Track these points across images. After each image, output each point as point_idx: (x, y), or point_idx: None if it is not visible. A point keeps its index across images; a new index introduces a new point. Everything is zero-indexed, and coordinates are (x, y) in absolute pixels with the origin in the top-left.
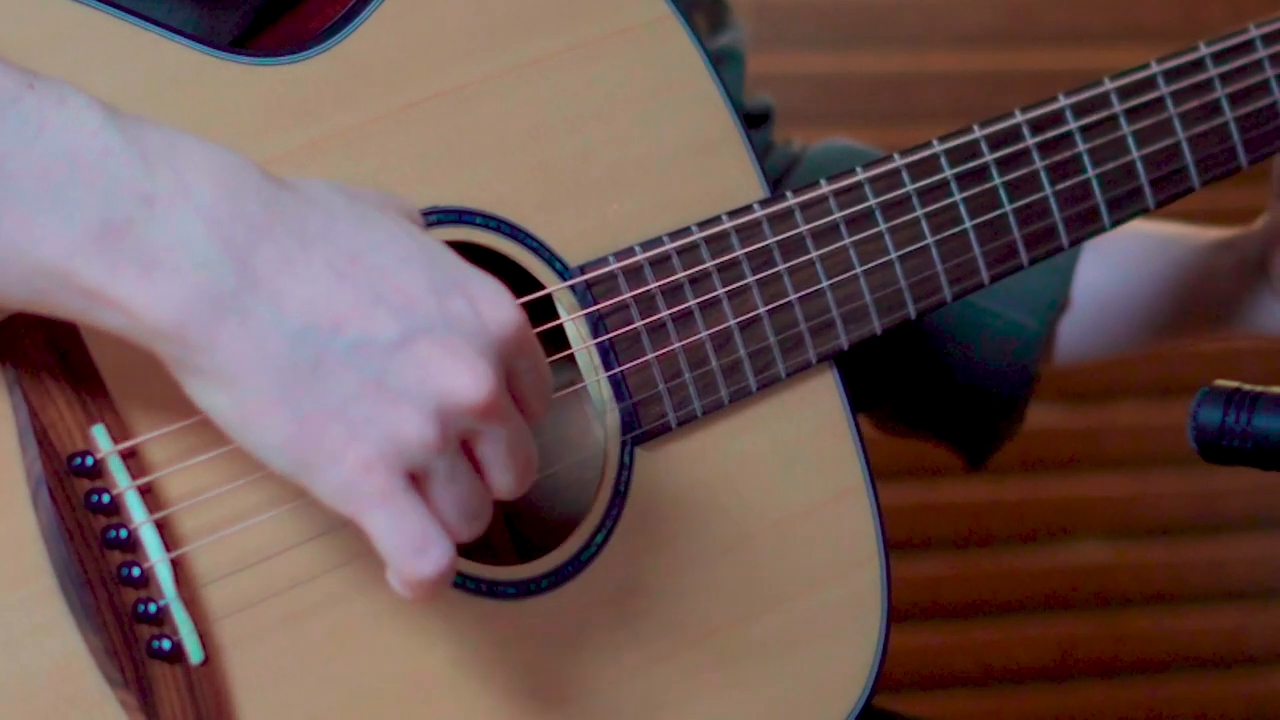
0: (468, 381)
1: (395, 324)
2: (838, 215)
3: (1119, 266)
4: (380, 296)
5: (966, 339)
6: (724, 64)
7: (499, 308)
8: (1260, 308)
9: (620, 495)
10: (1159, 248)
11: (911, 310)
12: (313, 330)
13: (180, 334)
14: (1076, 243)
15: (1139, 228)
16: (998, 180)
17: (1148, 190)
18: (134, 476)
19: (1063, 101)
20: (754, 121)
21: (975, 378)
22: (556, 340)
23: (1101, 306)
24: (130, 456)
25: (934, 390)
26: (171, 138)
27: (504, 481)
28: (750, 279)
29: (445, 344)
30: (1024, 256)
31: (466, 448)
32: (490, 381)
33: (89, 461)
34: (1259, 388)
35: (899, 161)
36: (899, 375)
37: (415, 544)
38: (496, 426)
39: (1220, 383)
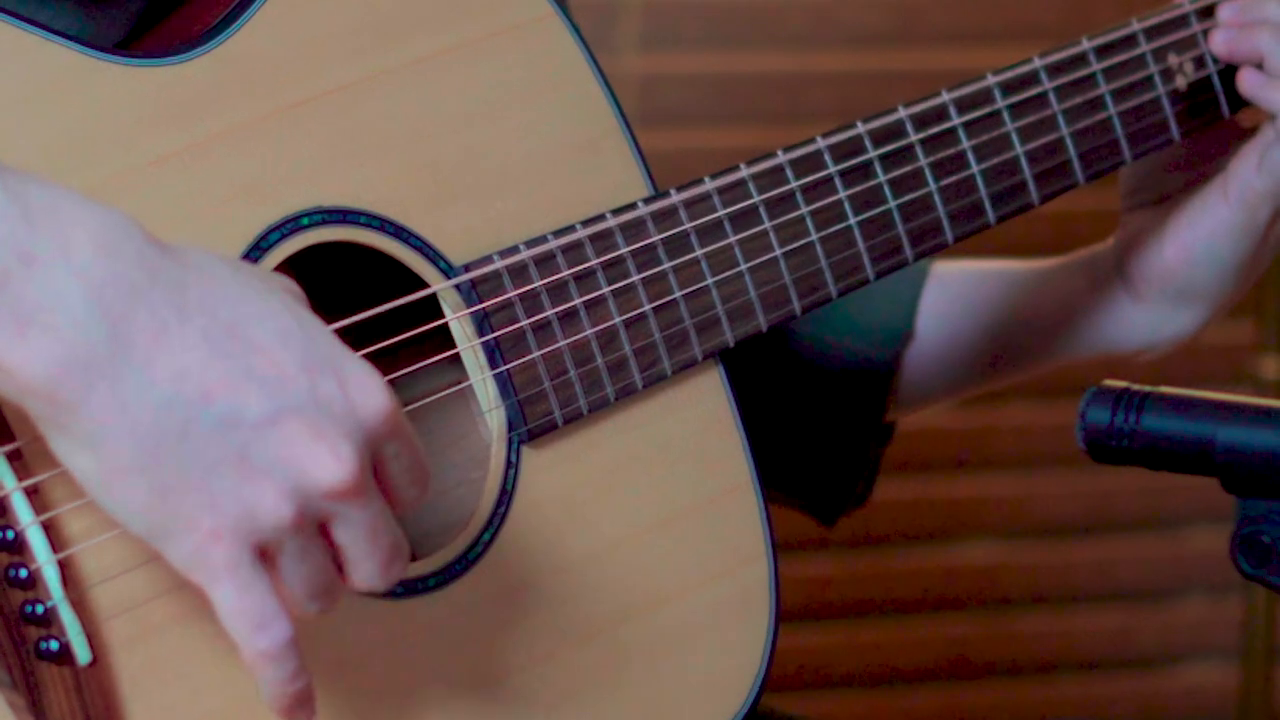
0: (329, 463)
1: (264, 400)
2: (722, 213)
3: (964, 297)
4: (252, 371)
5: (812, 380)
6: None
7: (370, 393)
8: (1118, 317)
9: (507, 494)
10: (1002, 276)
11: (797, 306)
12: (181, 400)
13: (49, 393)
14: (961, 238)
15: (979, 264)
16: (881, 177)
17: (1032, 185)
18: (20, 479)
19: (946, 97)
20: None
21: (823, 423)
22: (442, 340)
23: (950, 336)
24: (16, 459)
25: (782, 439)
26: (56, 197)
27: (364, 571)
28: (635, 277)
29: (311, 424)
30: (909, 252)
31: (326, 532)
32: (351, 465)
33: None
34: (1147, 388)
35: (782, 158)
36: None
37: (255, 618)
38: (356, 511)
39: (1109, 383)
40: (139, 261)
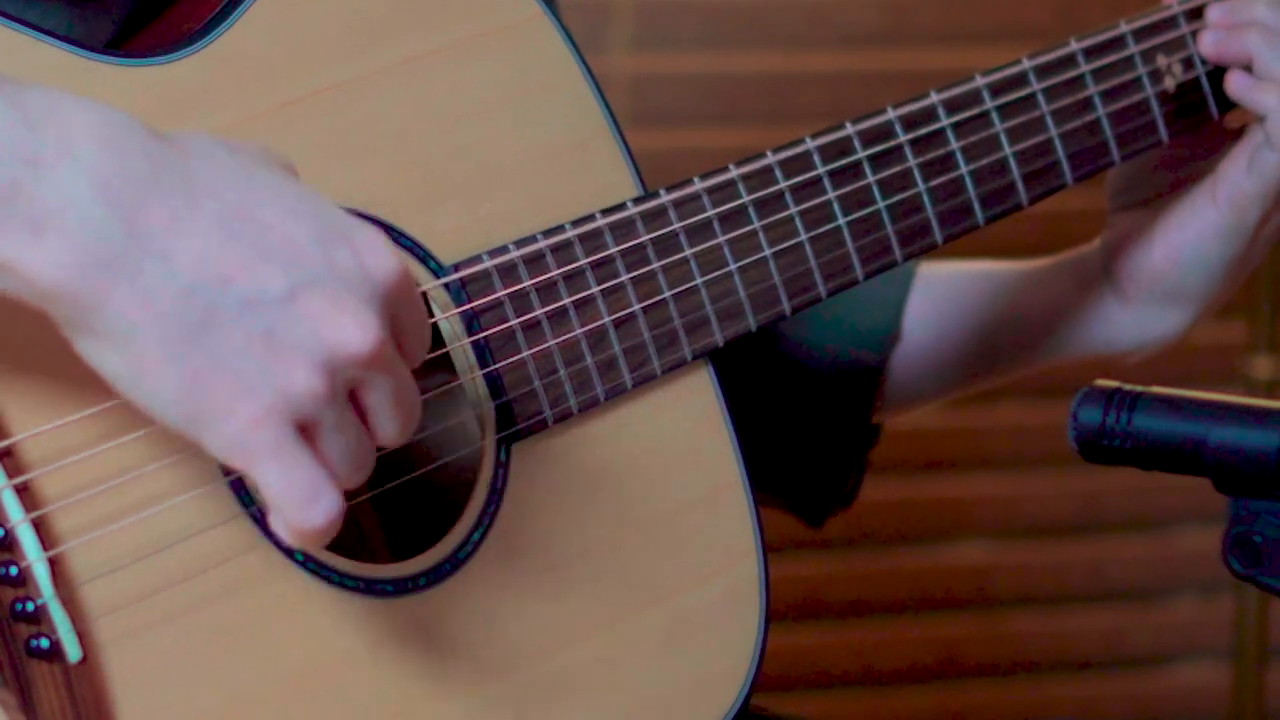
0: (354, 333)
1: (283, 278)
2: (711, 213)
3: (951, 299)
4: (268, 250)
5: (800, 381)
6: None
7: (381, 257)
8: (1105, 318)
9: (497, 493)
10: (989, 277)
11: (787, 307)
12: (202, 286)
13: (71, 295)
14: (950, 239)
15: (966, 266)
16: (871, 177)
17: (1020, 186)
18: (10, 475)
19: (935, 98)
20: None
21: (811, 424)
22: (432, 339)
23: (937, 337)
24: (7, 455)
25: (769, 439)
26: (53, 99)
27: (389, 430)
28: (624, 277)
29: (332, 296)
30: (898, 253)
31: (352, 397)
32: (376, 332)
33: None
34: (1139, 388)
35: (771, 159)
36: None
37: (306, 494)
38: (383, 376)
39: (1101, 382)
40: (143, 153)
